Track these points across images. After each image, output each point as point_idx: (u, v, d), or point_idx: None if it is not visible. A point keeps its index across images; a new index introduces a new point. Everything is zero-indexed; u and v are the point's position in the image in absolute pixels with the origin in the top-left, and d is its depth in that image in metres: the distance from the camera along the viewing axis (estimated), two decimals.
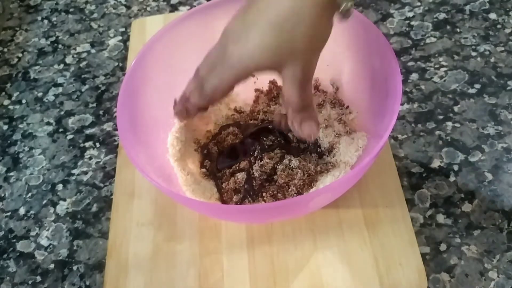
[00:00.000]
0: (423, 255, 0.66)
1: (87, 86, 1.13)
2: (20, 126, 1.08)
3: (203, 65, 0.47)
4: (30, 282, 0.86)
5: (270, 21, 0.40)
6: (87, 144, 1.02)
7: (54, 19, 1.29)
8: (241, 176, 0.52)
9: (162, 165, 0.53)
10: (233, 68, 0.43)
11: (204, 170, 0.55)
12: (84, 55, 1.19)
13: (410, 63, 1.07)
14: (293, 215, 0.52)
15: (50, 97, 1.12)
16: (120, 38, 1.22)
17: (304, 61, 0.42)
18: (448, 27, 1.13)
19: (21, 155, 1.02)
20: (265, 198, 0.51)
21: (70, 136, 1.04)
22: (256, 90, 0.60)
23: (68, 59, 1.19)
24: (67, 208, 0.94)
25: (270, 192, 0.50)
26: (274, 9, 0.40)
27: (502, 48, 1.07)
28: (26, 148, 1.03)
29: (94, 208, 0.93)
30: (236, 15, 0.44)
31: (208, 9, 0.57)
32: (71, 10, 1.31)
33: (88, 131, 1.04)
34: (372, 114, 0.53)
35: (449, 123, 0.96)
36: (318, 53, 0.43)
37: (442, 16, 1.15)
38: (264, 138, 0.54)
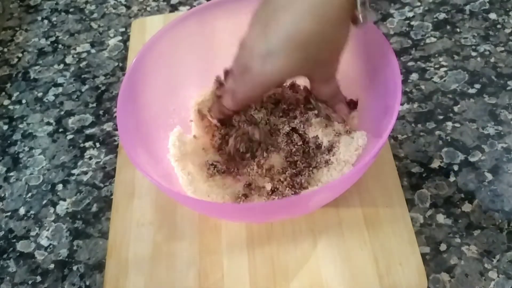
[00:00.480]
0: (423, 255, 0.66)
1: (87, 86, 1.13)
2: (20, 126, 1.08)
3: (234, 69, 0.48)
4: (30, 282, 0.86)
5: (293, 40, 0.41)
6: (87, 144, 1.02)
7: (54, 19, 1.29)
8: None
9: (162, 165, 0.53)
10: (262, 83, 0.45)
11: (211, 169, 0.54)
12: (84, 55, 1.19)
13: (410, 63, 1.07)
14: (293, 215, 0.52)
15: (50, 97, 1.12)
16: (120, 38, 1.22)
17: (328, 66, 0.46)
18: (448, 27, 1.12)
19: (21, 155, 1.03)
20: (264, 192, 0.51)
21: (70, 136, 1.04)
22: None
23: (68, 59, 1.19)
24: (67, 208, 0.94)
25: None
26: (295, 28, 0.41)
27: (502, 48, 1.07)
28: (26, 148, 1.03)
29: (94, 208, 0.93)
30: (253, 24, 0.45)
31: (208, 9, 0.57)
32: (71, 10, 1.31)
33: (88, 131, 1.04)
34: (372, 113, 0.53)
35: (449, 123, 0.96)
36: (341, 54, 0.46)
37: (442, 16, 1.15)
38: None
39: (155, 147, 0.54)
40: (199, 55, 0.59)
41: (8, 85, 1.15)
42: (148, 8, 1.28)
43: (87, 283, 0.84)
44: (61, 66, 1.18)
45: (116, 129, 1.02)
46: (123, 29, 1.23)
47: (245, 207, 0.49)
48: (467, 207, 0.86)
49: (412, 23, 1.14)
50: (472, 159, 0.92)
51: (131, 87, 0.53)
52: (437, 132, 0.96)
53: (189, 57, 0.58)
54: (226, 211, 0.50)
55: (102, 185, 0.96)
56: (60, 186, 0.97)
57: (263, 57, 0.43)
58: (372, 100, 0.53)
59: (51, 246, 0.89)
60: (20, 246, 0.90)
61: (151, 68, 0.55)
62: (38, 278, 0.86)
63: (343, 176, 0.47)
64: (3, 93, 1.14)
